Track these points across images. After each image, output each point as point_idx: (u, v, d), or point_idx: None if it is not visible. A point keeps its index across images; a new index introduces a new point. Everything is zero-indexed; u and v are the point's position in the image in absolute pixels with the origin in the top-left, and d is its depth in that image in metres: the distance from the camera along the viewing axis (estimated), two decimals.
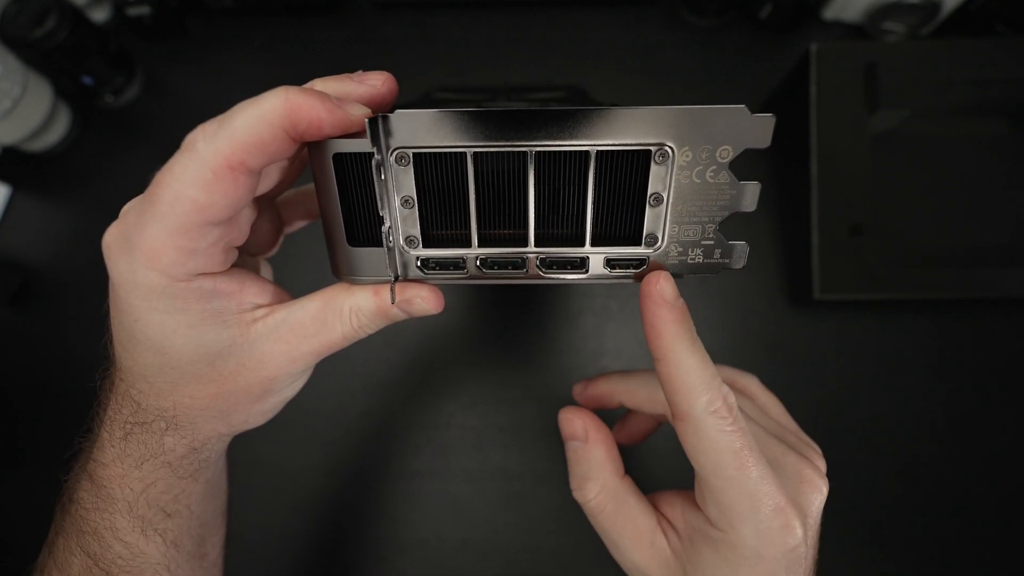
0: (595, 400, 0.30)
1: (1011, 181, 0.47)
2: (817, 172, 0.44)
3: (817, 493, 0.22)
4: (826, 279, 0.43)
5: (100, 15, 0.55)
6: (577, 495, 0.25)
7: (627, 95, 0.53)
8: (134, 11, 0.53)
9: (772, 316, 0.48)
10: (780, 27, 0.54)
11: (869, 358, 0.47)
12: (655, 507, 0.25)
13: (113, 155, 0.54)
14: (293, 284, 0.25)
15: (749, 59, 0.53)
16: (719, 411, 0.20)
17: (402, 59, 0.55)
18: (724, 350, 0.47)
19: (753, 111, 0.18)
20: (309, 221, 0.28)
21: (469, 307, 0.49)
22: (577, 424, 0.26)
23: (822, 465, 0.24)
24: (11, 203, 0.53)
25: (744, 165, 0.19)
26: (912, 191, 0.47)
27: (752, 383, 0.29)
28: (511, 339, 0.48)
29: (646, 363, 0.47)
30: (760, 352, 0.47)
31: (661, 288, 0.20)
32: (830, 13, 0.53)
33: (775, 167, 0.50)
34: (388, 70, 0.22)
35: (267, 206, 0.26)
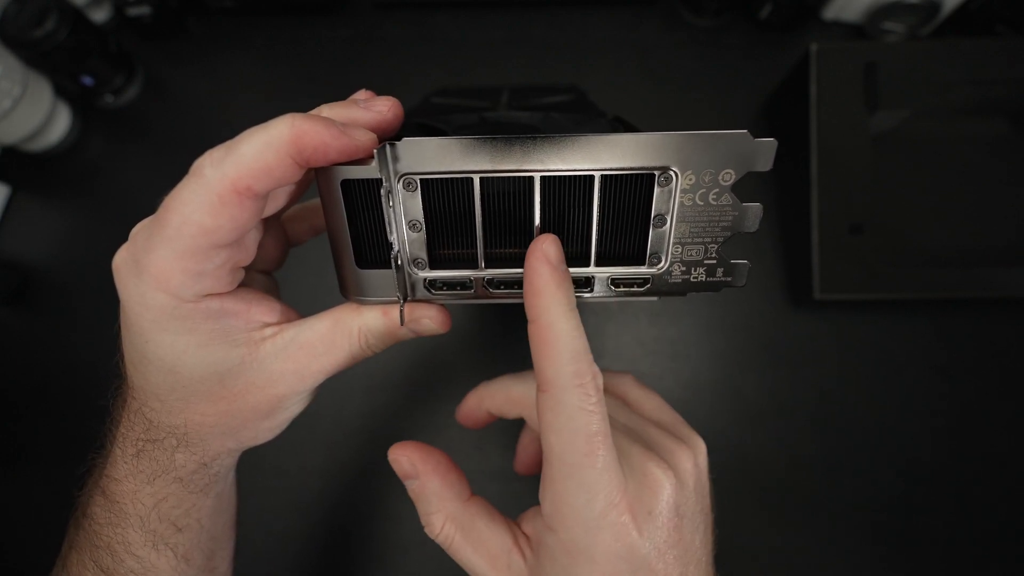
0: (470, 415, 0.29)
1: (1011, 181, 0.47)
2: (817, 172, 0.44)
3: (661, 489, 0.21)
4: (826, 279, 0.44)
5: (100, 15, 0.55)
6: (427, 532, 0.24)
7: (627, 96, 0.53)
8: (134, 11, 0.53)
9: (772, 316, 0.48)
10: (780, 27, 0.54)
11: (869, 358, 0.47)
12: (518, 525, 0.24)
13: (113, 155, 0.54)
14: (299, 295, 0.25)
15: (749, 59, 0.53)
16: (585, 385, 0.19)
17: (402, 59, 0.55)
18: (724, 350, 0.47)
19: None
20: (314, 236, 0.29)
21: (469, 307, 0.49)
22: (404, 462, 0.25)
23: (686, 460, 0.23)
24: (11, 203, 0.53)
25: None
26: (912, 191, 0.47)
27: (624, 382, 0.28)
28: (512, 339, 0.48)
29: (647, 364, 0.47)
30: (760, 352, 0.47)
31: (547, 248, 0.20)
32: (830, 13, 0.53)
33: (775, 167, 0.50)
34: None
35: (272, 223, 0.26)
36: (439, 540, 0.24)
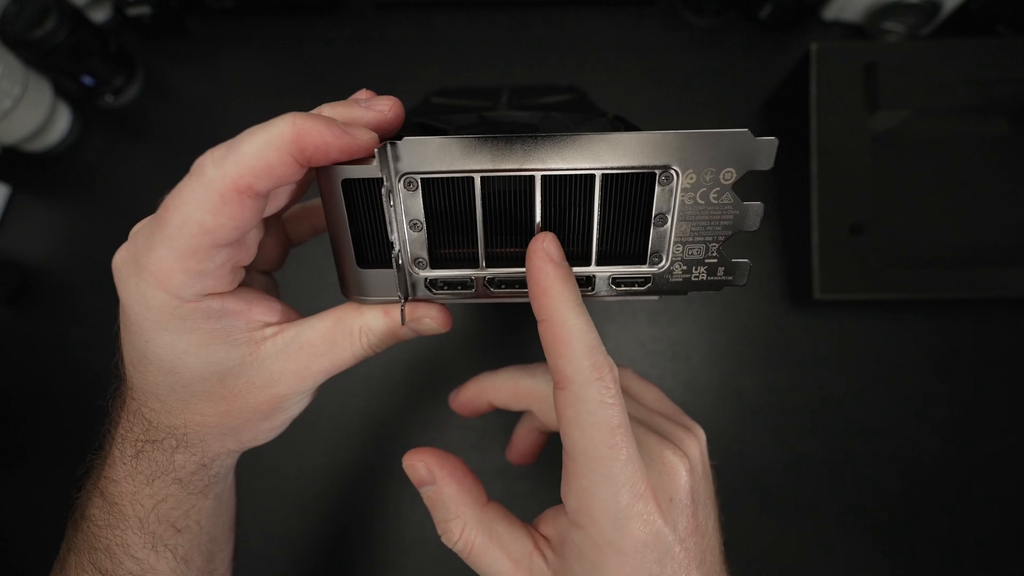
0: (467, 405, 0.29)
1: (1011, 181, 0.47)
2: (817, 172, 0.44)
3: (678, 476, 0.21)
4: (826, 279, 0.44)
5: (100, 15, 0.55)
6: (445, 541, 0.23)
7: (627, 96, 0.53)
8: (134, 11, 0.53)
9: (772, 316, 0.48)
10: (780, 27, 0.54)
11: (869, 358, 0.47)
12: (536, 528, 0.24)
13: (113, 155, 0.54)
14: (299, 295, 0.24)
15: (749, 59, 0.53)
16: (604, 379, 0.19)
17: (402, 59, 0.55)
18: (724, 350, 0.47)
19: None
20: (314, 236, 0.29)
21: (470, 307, 0.49)
22: (420, 468, 0.24)
23: (694, 447, 0.23)
24: (11, 203, 0.53)
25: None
26: (912, 191, 0.47)
27: (626, 375, 0.28)
28: (512, 339, 0.48)
29: (647, 364, 0.47)
30: (761, 352, 0.47)
31: (547, 246, 0.20)
32: (830, 13, 0.53)
33: (775, 167, 0.50)
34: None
35: (273, 223, 0.26)
36: (458, 548, 0.23)
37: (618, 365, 0.28)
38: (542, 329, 0.20)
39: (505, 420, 0.46)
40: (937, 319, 0.47)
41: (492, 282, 0.21)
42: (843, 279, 0.44)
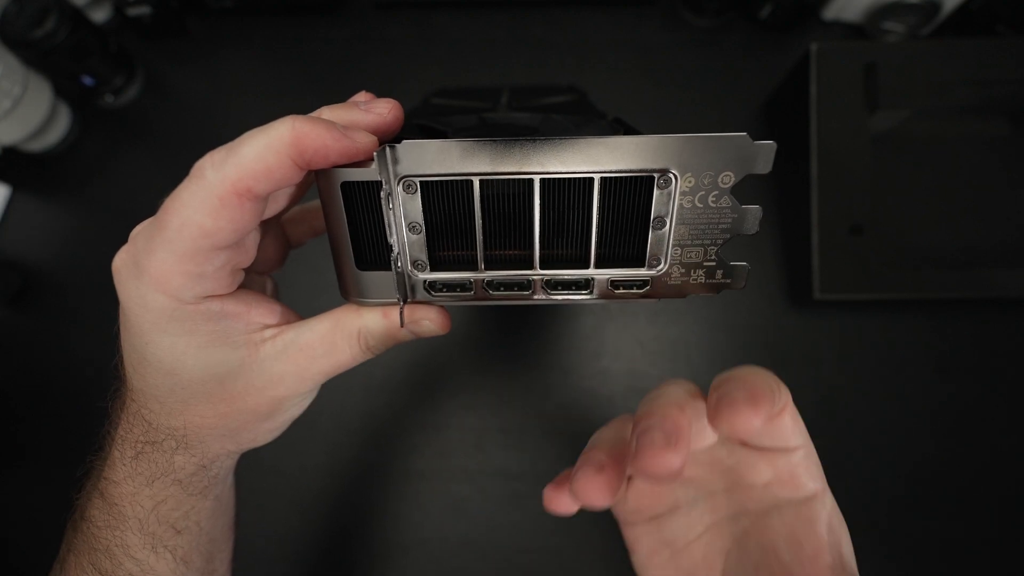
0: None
1: (1011, 181, 0.47)
2: (817, 172, 0.44)
3: None
4: (826, 279, 0.44)
5: (100, 15, 0.55)
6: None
7: (627, 96, 0.53)
8: (134, 11, 0.53)
9: (772, 316, 0.48)
10: (780, 27, 0.54)
11: (869, 358, 0.47)
12: None
13: (113, 155, 0.54)
14: (298, 296, 0.24)
15: (749, 59, 0.53)
16: None
17: (402, 59, 0.55)
18: (724, 350, 0.47)
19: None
20: (314, 237, 0.29)
21: (469, 309, 0.49)
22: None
23: None
24: (11, 203, 0.53)
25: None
26: (912, 191, 0.47)
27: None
28: (511, 339, 0.48)
29: (646, 363, 0.47)
30: (760, 352, 0.47)
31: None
32: (830, 13, 0.53)
33: (775, 167, 0.50)
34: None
35: (272, 225, 0.26)
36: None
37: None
38: (782, 458, 0.22)
39: (505, 420, 0.46)
40: (937, 319, 0.47)
41: (491, 284, 0.21)
42: (843, 279, 0.43)
